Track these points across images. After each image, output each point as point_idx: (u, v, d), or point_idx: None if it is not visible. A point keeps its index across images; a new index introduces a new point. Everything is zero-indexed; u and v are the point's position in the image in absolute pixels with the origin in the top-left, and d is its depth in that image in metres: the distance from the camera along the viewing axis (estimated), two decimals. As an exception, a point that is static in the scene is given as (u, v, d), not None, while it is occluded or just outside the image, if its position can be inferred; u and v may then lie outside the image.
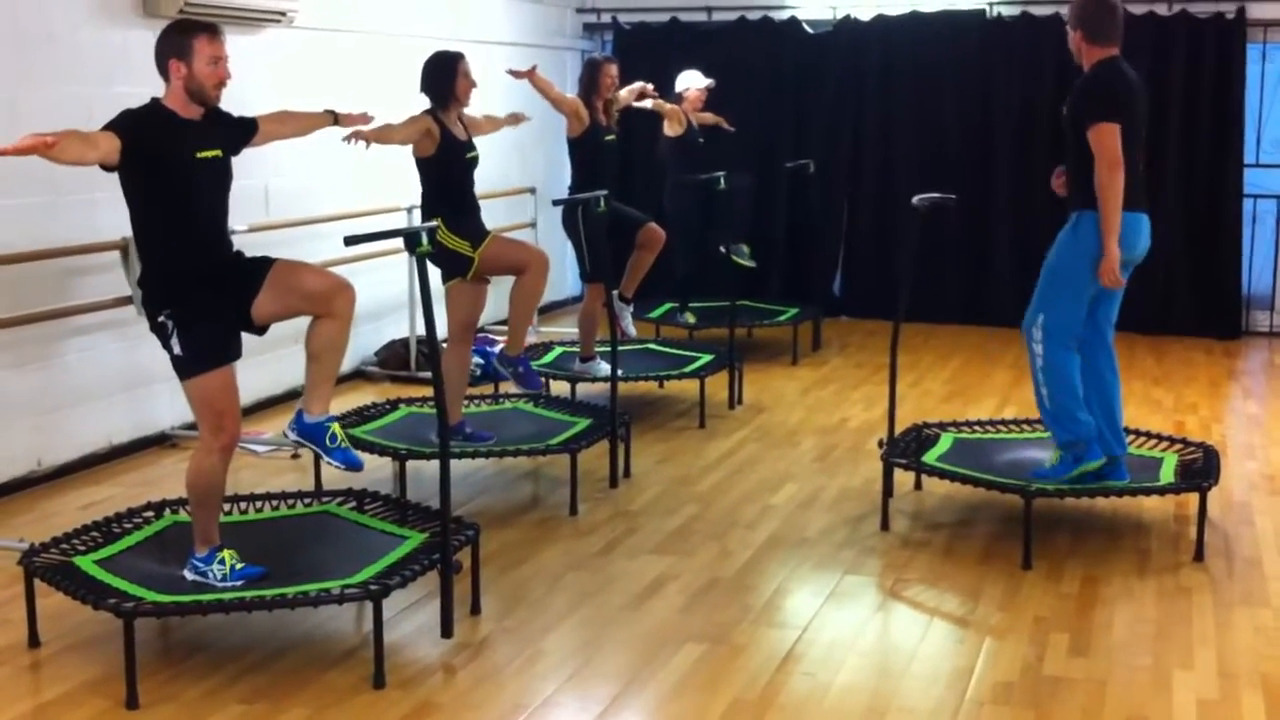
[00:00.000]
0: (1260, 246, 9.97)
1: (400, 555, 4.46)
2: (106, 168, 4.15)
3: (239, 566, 4.37)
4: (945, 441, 5.94)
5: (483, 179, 6.10)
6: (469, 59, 5.94)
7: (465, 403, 6.29)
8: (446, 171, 5.89)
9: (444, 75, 5.85)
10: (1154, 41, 9.47)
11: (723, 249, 8.69)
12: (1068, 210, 5.28)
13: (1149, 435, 5.98)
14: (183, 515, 4.75)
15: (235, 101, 4.58)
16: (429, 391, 6.57)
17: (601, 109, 7.30)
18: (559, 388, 7.44)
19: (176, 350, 4.29)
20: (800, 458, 6.67)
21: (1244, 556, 5.25)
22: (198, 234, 4.36)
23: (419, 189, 5.99)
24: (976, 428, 6.18)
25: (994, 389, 8.06)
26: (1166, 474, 5.52)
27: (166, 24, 4.46)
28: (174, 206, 4.27)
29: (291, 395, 7.39)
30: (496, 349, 6.54)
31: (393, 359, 8.41)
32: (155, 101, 4.31)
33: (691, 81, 8.85)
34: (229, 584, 4.32)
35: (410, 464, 5.83)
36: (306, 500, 5.13)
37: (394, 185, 7.70)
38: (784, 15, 10.65)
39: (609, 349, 6.42)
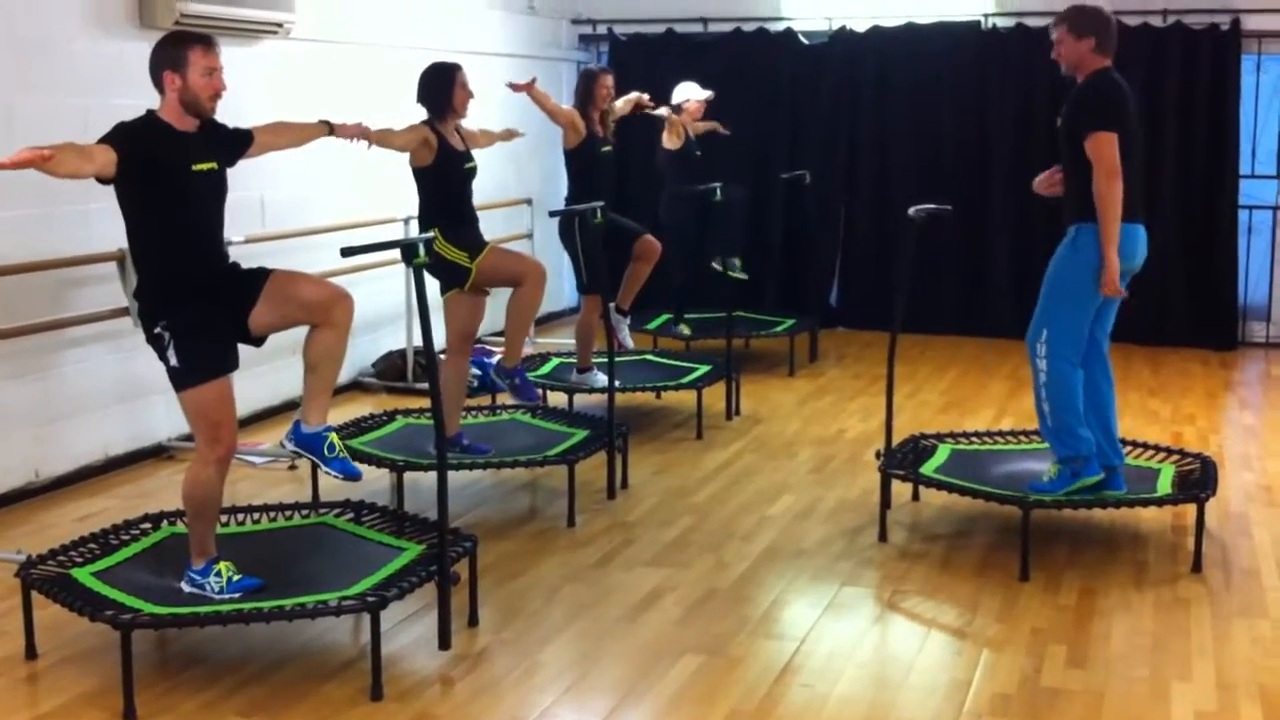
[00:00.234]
0: (1255, 257, 9.97)
1: (398, 567, 4.46)
2: (103, 180, 4.15)
3: (236, 578, 4.37)
4: (943, 453, 5.94)
5: (479, 190, 6.11)
6: (466, 70, 5.94)
7: (463, 414, 6.29)
8: (445, 182, 5.89)
9: (441, 86, 5.85)
10: (1149, 53, 9.49)
11: (715, 265, 8.73)
12: (1064, 223, 5.29)
13: (1146, 446, 5.98)
14: (180, 527, 4.75)
15: (231, 113, 4.58)
16: (426, 403, 6.56)
17: (598, 120, 7.30)
18: (556, 399, 7.44)
19: (173, 361, 4.28)
20: (797, 469, 6.67)
21: (1242, 567, 5.25)
22: (194, 245, 4.36)
23: (416, 200, 5.99)
24: (974, 439, 6.18)
25: (991, 400, 8.06)
26: (1164, 485, 5.52)
27: (162, 35, 4.45)
28: (170, 218, 4.27)
29: (289, 406, 7.38)
30: (494, 360, 6.54)
31: (390, 370, 8.41)
32: (151, 113, 4.31)
33: (690, 93, 8.86)
34: (226, 596, 4.32)
35: (408, 475, 5.82)
36: (304, 512, 5.12)
37: (391, 196, 7.70)
38: (779, 27, 10.67)
39: (606, 360, 6.42)
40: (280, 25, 7.27)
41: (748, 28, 10.68)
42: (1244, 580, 5.12)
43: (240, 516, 5.03)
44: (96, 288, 6.26)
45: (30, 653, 4.36)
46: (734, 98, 9.90)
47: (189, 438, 5.78)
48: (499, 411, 6.81)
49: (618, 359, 6.85)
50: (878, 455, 5.82)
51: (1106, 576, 5.13)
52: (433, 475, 4.64)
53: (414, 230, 6.98)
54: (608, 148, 7.41)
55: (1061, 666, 4.33)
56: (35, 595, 4.32)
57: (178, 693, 4.12)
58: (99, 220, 5.79)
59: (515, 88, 6.93)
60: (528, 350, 7.50)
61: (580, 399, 7.42)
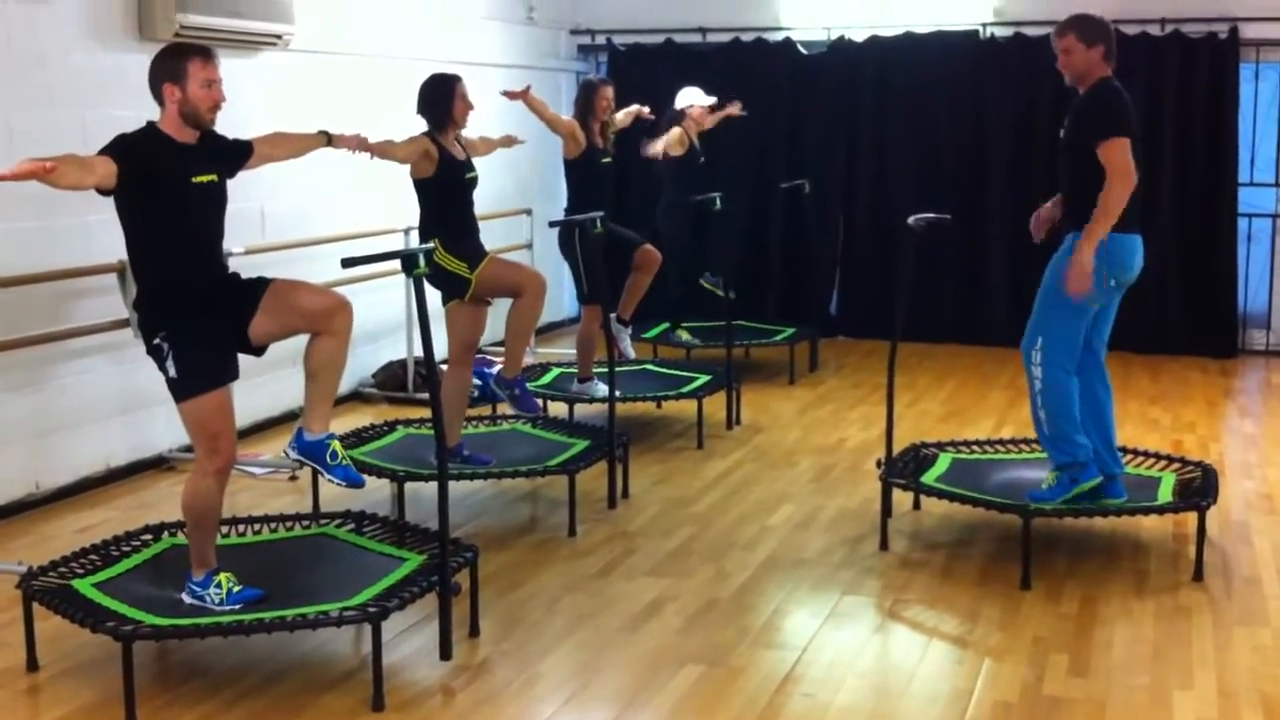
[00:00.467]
0: (1255, 265, 9.98)
1: (399, 577, 4.45)
2: (103, 191, 4.15)
3: (236, 589, 4.37)
4: (943, 461, 5.94)
5: (479, 200, 6.11)
6: (465, 81, 5.95)
7: (463, 424, 6.28)
8: (446, 192, 5.89)
9: (441, 97, 5.86)
10: (1148, 62, 9.51)
11: (705, 282, 8.76)
12: (1062, 232, 5.30)
13: (1147, 454, 5.98)
14: (181, 538, 4.75)
15: (230, 124, 4.59)
16: (427, 413, 6.57)
17: (598, 131, 7.31)
18: (557, 409, 7.44)
19: (172, 372, 4.28)
20: (798, 478, 6.67)
21: (1243, 576, 5.24)
22: (193, 256, 4.36)
23: (416, 210, 5.99)
24: (974, 448, 6.18)
25: (991, 409, 8.06)
26: (1165, 493, 5.52)
27: (161, 47, 4.46)
28: (170, 229, 4.28)
29: (289, 417, 7.38)
30: (494, 371, 6.55)
31: (390, 380, 8.41)
32: (151, 125, 4.32)
33: (694, 98, 8.83)
34: (226, 607, 4.31)
35: (408, 486, 5.82)
36: (304, 522, 5.12)
37: (391, 206, 7.71)
38: (778, 36, 10.68)
39: (607, 370, 6.41)
40: (279, 37, 7.29)
41: (746, 38, 10.70)
42: (1245, 588, 5.11)
43: (241, 527, 5.03)
44: (97, 299, 6.26)
45: (31, 664, 4.36)
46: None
47: (189, 449, 5.78)
48: (499, 422, 6.81)
49: (618, 368, 6.85)
50: (878, 464, 5.82)
51: (1108, 585, 5.13)
52: (433, 485, 4.64)
53: (414, 240, 6.99)
54: (607, 159, 7.42)
55: (1063, 675, 4.33)
56: (36, 607, 4.32)
57: (179, 704, 4.12)
58: (99, 232, 5.80)
59: (510, 95, 6.95)
60: (528, 360, 7.51)
61: (581, 409, 7.43)
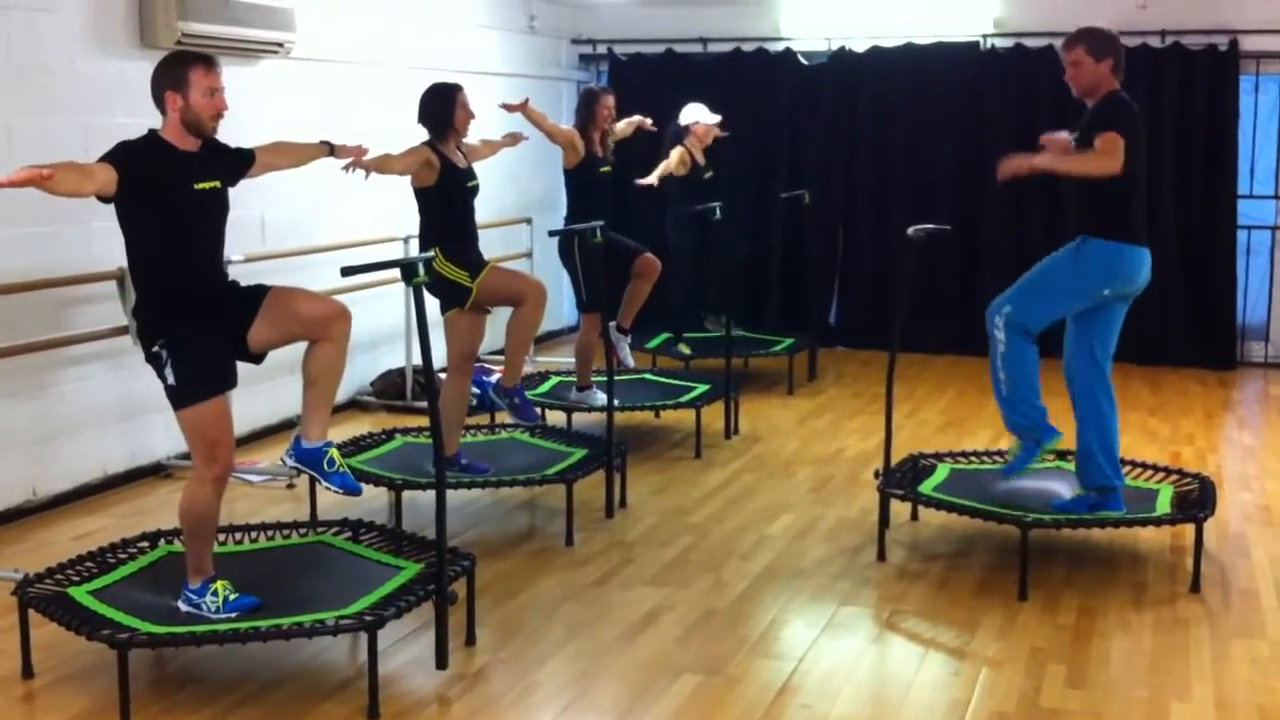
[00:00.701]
0: (1254, 278, 9.98)
1: (395, 586, 4.45)
2: (103, 199, 4.16)
3: (233, 597, 4.36)
4: (941, 472, 5.94)
5: (479, 209, 6.11)
6: (466, 90, 5.96)
7: (462, 433, 6.28)
8: (447, 201, 5.89)
9: (442, 106, 5.86)
10: (1148, 74, 9.50)
11: (708, 324, 8.83)
12: (1071, 233, 5.32)
13: (1145, 466, 5.98)
14: (178, 546, 4.74)
15: (232, 132, 4.59)
16: (425, 421, 6.57)
17: (598, 140, 7.32)
18: (555, 417, 7.44)
19: (170, 380, 4.28)
20: (796, 488, 6.67)
21: (1240, 588, 5.24)
22: (194, 264, 4.36)
23: (416, 219, 5.99)
24: (973, 458, 6.18)
25: (989, 419, 8.04)
26: (1163, 505, 5.52)
27: (163, 55, 4.47)
28: (171, 237, 4.28)
29: (287, 425, 7.38)
30: (493, 379, 6.54)
31: (389, 389, 8.41)
32: (153, 133, 4.32)
33: (699, 115, 8.83)
34: (223, 615, 4.31)
35: (406, 494, 5.81)
36: (301, 530, 5.12)
37: (391, 215, 7.72)
38: (779, 47, 10.70)
39: (605, 379, 6.42)
40: (281, 45, 7.29)
41: (747, 48, 10.71)
42: (1243, 600, 5.11)
43: (238, 535, 5.03)
44: (96, 306, 6.26)
45: (27, 671, 4.36)
46: (733, 118, 9.89)
47: (187, 456, 5.78)
48: (498, 430, 6.81)
49: (616, 377, 6.85)
50: (876, 474, 5.82)
51: (1105, 596, 5.13)
52: (431, 494, 4.64)
53: (414, 249, 6.99)
54: (606, 168, 7.43)
55: (1060, 686, 4.32)
56: (32, 614, 4.32)
57: (174, 712, 4.11)
58: (99, 239, 5.80)
59: (509, 108, 6.97)
60: (527, 369, 7.50)
61: (579, 418, 7.42)
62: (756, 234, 10.63)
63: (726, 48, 10.76)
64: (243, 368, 4.49)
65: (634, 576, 5.37)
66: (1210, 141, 9.66)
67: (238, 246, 6.18)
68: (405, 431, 6.59)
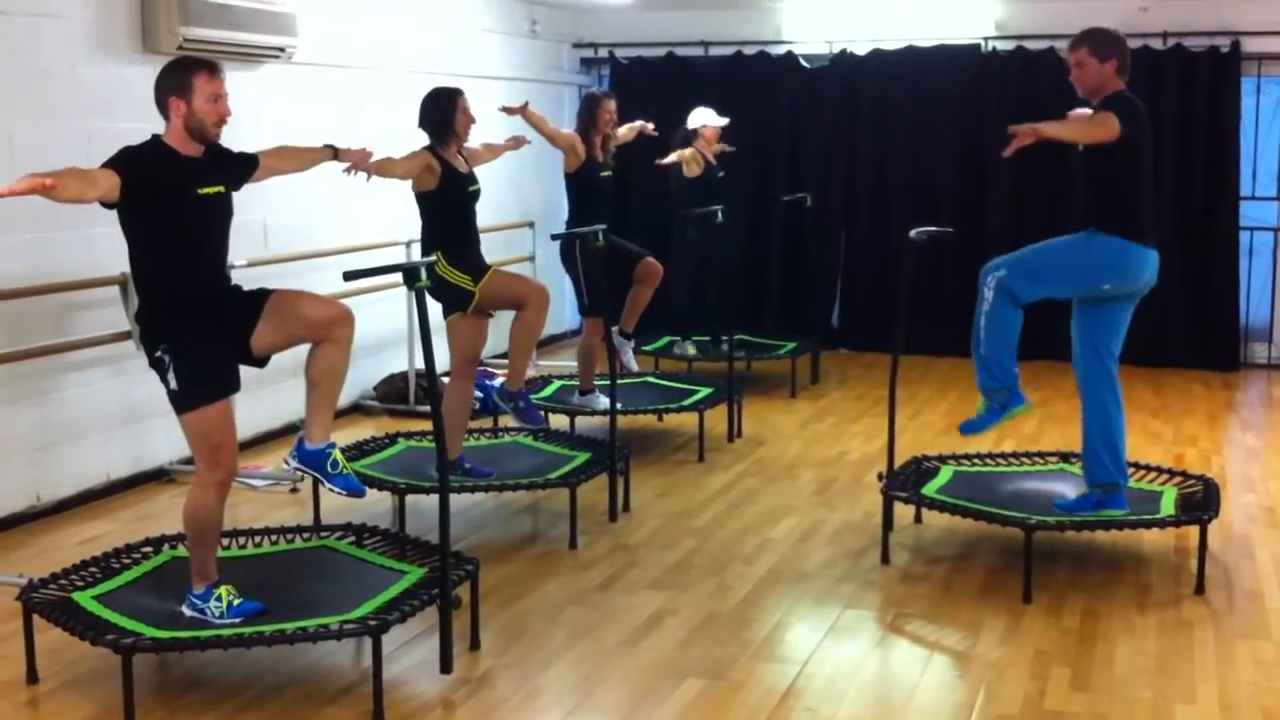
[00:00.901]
0: (1256, 279, 9.99)
1: (399, 590, 4.45)
2: (106, 204, 4.16)
3: (237, 602, 4.36)
4: (945, 474, 5.93)
5: (481, 213, 6.11)
6: (467, 94, 5.96)
7: (465, 437, 6.28)
8: (449, 205, 5.89)
9: (443, 111, 5.87)
10: (1149, 76, 9.49)
11: (676, 350, 8.97)
12: (1078, 224, 5.33)
13: (1149, 468, 5.98)
14: (182, 550, 4.74)
15: (235, 137, 4.59)
16: (428, 425, 6.56)
17: (599, 144, 7.32)
18: (558, 421, 7.44)
19: (173, 384, 4.28)
20: (799, 491, 6.67)
21: (1245, 589, 5.24)
22: (197, 269, 4.36)
23: (418, 223, 6.00)
24: (976, 460, 6.17)
25: (992, 421, 8.05)
26: (1166, 506, 5.52)
27: (166, 61, 4.47)
28: (175, 242, 4.28)
29: (290, 429, 7.39)
30: (496, 383, 6.54)
31: (392, 393, 8.41)
32: (156, 139, 4.32)
33: (706, 119, 8.85)
34: (227, 620, 4.31)
35: (409, 498, 5.82)
36: (305, 535, 5.12)
37: (393, 219, 7.72)
38: (780, 50, 10.70)
39: (608, 382, 6.42)
40: (283, 50, 7.30)
41: (749, 51, 10.72)
42: (1247, 602, 5.11)
43: (241, 540, 5.02)
44: (99, 311, 6.26)
45: (31, 677, 4.36)
46: (735, 121, 9.90)
47: (191, 461, 5.79)
48: (501, 434, 6.81)
49: (619, 381, 6.85)
50: (880, 477, 5.82)
51: (1109, 598, 5.12)
52: (434, 498, 4.64)
53: (416, 253, 6.99)
54: (607, 172, 7.43)
55: (1065, 689, 4.32)
56: (36, 619, 4.31)
57: (179, 717, 4.11)
58: (101, 244, 5.81)
59: (509, 111, 6.97)
60: (530, 373, 7.51)
61: (582, 421, 7.42)
62: (758, 237, 10.64)
63: (728, 51, 10.77)
64: (246, 372, 4.50)
65: (637, 580, 5.36)
66: (1212, 143, 9.67)
67: (240, 251, 6.18)
68: (408, 436, 6.59)
